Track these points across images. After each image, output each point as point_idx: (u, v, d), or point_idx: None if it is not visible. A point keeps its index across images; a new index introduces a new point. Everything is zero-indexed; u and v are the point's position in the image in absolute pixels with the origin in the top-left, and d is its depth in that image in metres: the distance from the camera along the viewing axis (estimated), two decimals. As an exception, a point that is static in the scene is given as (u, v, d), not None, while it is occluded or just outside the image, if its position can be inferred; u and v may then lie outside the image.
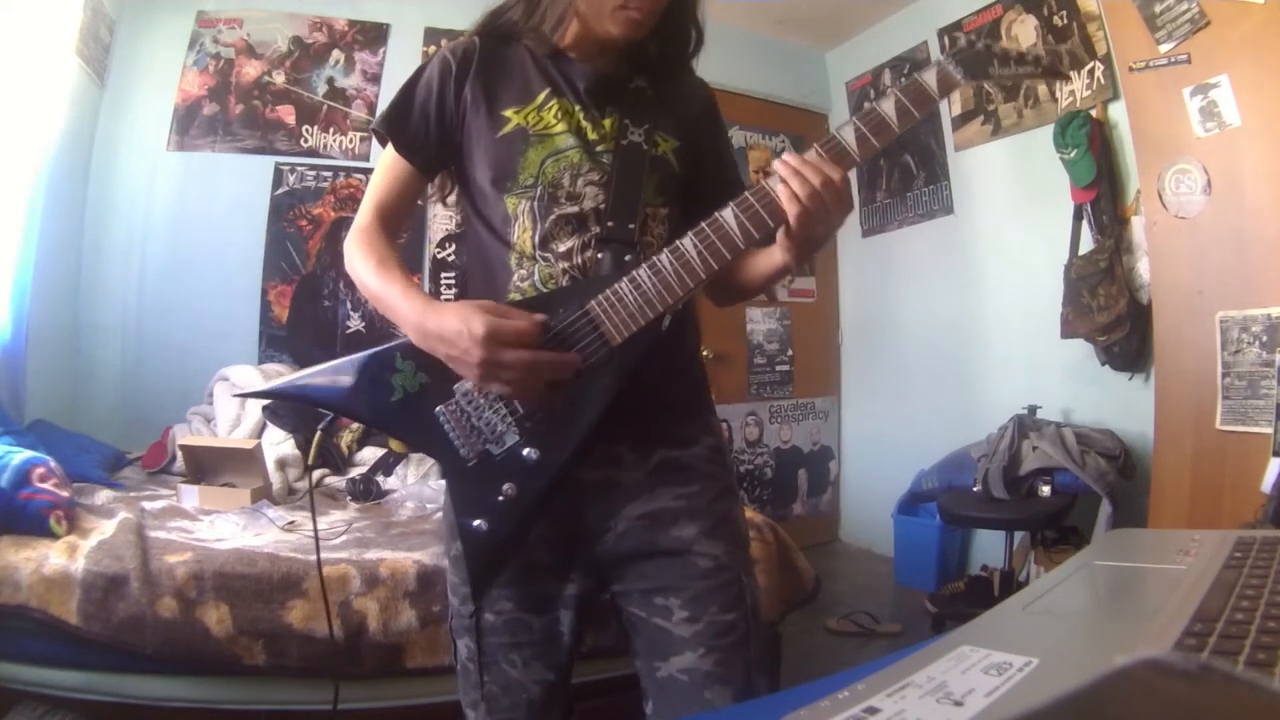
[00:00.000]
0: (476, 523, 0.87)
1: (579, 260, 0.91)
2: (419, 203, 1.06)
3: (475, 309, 0.82)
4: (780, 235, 0.86)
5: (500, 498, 0.86)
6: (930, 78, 0.83)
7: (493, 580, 0.92)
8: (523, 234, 0.93)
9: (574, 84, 0.96)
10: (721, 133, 1.10)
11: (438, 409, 0.88)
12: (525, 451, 0.86)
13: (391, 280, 0.91)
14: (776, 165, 0.82)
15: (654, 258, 0.85)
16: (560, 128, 0.93)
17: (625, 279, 0.85)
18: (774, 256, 0.92)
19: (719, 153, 1.07)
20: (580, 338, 0.85)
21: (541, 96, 0.95)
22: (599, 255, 0.91)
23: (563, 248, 0.92)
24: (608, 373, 0.85)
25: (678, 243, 0.84)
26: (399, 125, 0.97)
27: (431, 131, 0.97)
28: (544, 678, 0.96)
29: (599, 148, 0.94)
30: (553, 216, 0.92)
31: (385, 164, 0.99)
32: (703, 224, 0.84)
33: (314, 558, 1.61)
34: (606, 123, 0.95)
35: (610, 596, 0.97)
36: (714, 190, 1.03)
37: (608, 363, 0.85)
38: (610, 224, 0.91)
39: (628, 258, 0.89)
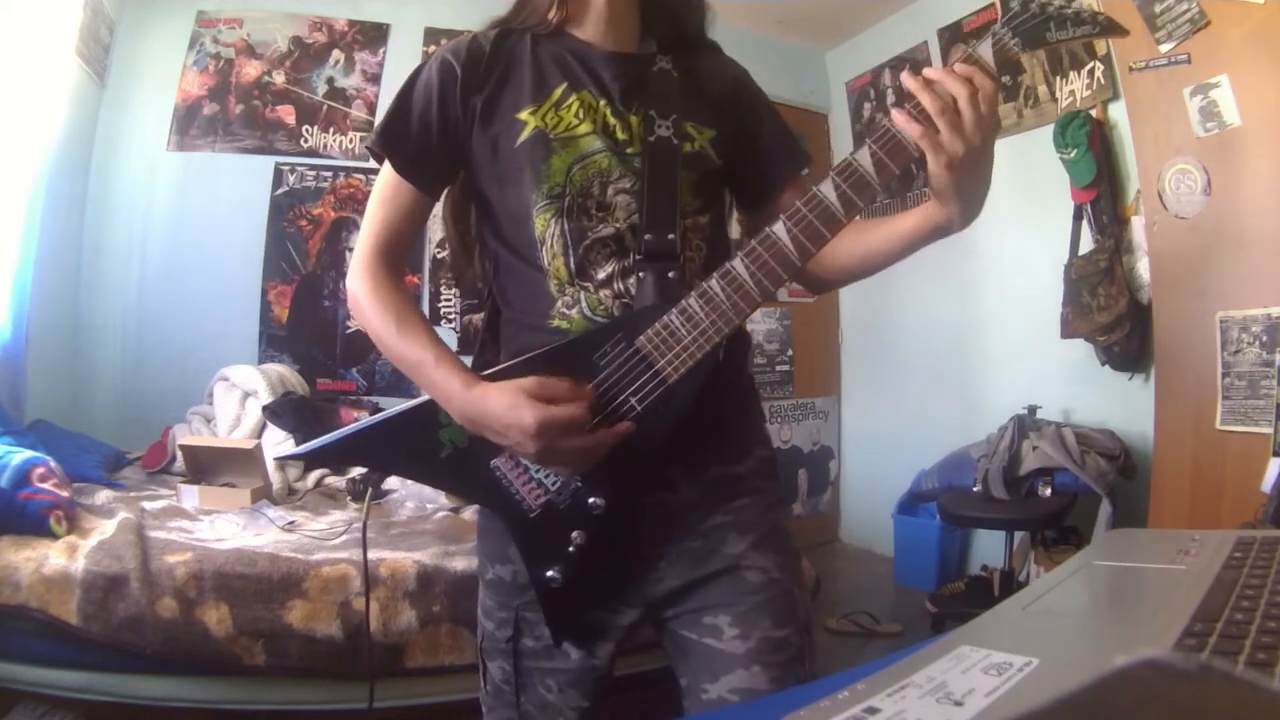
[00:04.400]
0: (550, 574, 0.83)
1: (620, 286, 0.84)
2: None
3: (522, 397, 0.76)
4: (930, 180, 0.77)
5: (571, 548, 0.82)
6: (986, 51, 0.74)
7: (574, 626, 0.87)
8: (554, 260, 0.85)
9: (595, 72, 0.87)
10: (764, 109, 0.98)
11: (494, 462, 0.83)
12: (591, 500, 0.81)
13: (420, 345, 0.83)
14: (905, 80, 0.73)
15: (704, 285, 0.78)
16: (584, 128, 0.84)
17: (675, 310, 0.78)
18: (927, 210, 0.81)
19: (762, 131, 0.96)
20: (635, 377, 0.79)
21: (559, 92, 0.86)
22: (640, 275, 0.83)
23: (602, 274, 0.84)
24: (666, 411, 0.79)
25: (729, 265, 0.78)
26: (397, 140, 0.87)
27: (434, 144, 0.87)
28: (579, 704, 0.92)
29: (629, 149, 0.85)
30: (586, 241, 0.84)
31: (384, 187, 0.89)
32: (753, 242, 0.78)
33: (314, 558, 1.61)
34: (633, 120, 0.86)
35: (660, 621, 0.91)
36: (768, 173, 0.96)
37: (666, 401, 0.79)
38: (649, 237, 0.83)
39: (671, 274, 0.82)
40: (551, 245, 0.85)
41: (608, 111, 0.86)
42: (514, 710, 0.92)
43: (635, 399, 0.79)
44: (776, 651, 0.84)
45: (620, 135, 0.86)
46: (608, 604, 0.89)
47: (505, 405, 0.76)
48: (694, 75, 0.91)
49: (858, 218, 0.79)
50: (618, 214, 0.84)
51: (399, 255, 0.91)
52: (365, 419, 0.89)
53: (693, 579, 0.87)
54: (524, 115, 0.85)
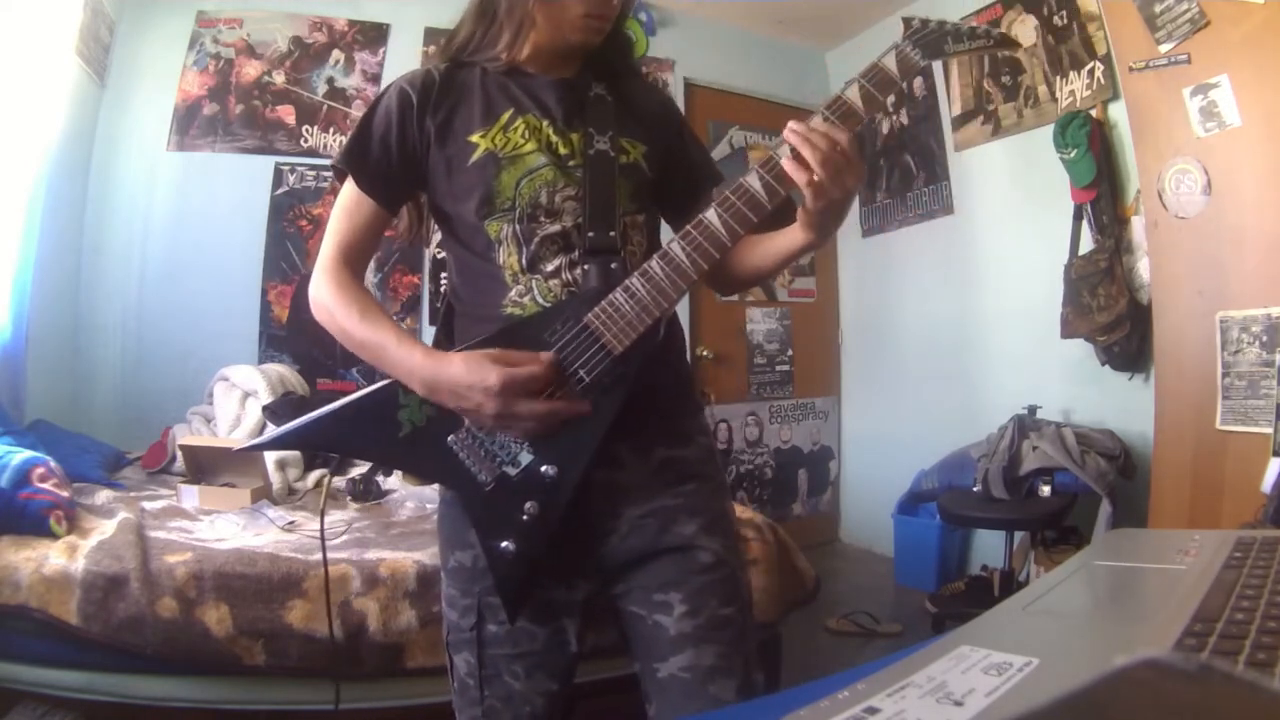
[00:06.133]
0: (504, 545, 0.87)
1: (568, 277, 0.92)
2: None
3: (485, 360, 0.83)
4: (800, 210, 0.87)
5: (525, 517, 0.87)
6: (890, 61, 0.84)
7: (527, 599, 0.91)
8: (509, 258, 0.93)
9: (538, 98, 0.96)
10: (686, 130, 1.10)
11: (450, 438, 0.88)
12: (543, 469, 0.87)
13: (382, 329, 0.90)
14: (786, 134, 0.82)
15: (645, 265, 0.86)
16: (530, 146, 0.93)
17: (620, 289, 0.85)
18: (795, 234, 0.92)
19: (687, 150, 1.08)
20: (582, 350, 0.86)
21: (505, 116, 0.94)
22: (585, 267, 0.91)
23: (550, 267, 0.92)
24: (613, 382, 0.86)
25: (666, 247, 0.86)
26: (359, 160, 0.95)
27: (394, 164, 0.94)
28: (547, 688, 0.95)
29: (571, 162, 0.93)
30: (537, 238, 0.92)
31: (346, 202, 0.96)
32: (688, 227, 0.86)
33: (314, 558, 1.61)
34: (574, 136, 0.95)
35: (610, 598, 0.96)
36: (692, 185, 1.05)
37: (612, 372, 0.86)
38: (591, 235, 0.91)
39: (614, 265, 0.90)
40: (506, 245, 0.93)
41: (550, 131, 0.94)
42: (478, 707, 0.95)
43: (584, 370, 0.86)
44: (722, 629, 0.92)
45: (562, 150, 0.94)
46: (561, 576, 0.94)
47: (468, 368, 0.83)
48: (626, 99, 1.01)
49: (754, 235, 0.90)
50: (564, 217, 0.92)
51: (359, 263, 0.98)
52: (327, 405, 0.91)
53: (645, 553, 0.93)
54: (475, 138, 0.93)
